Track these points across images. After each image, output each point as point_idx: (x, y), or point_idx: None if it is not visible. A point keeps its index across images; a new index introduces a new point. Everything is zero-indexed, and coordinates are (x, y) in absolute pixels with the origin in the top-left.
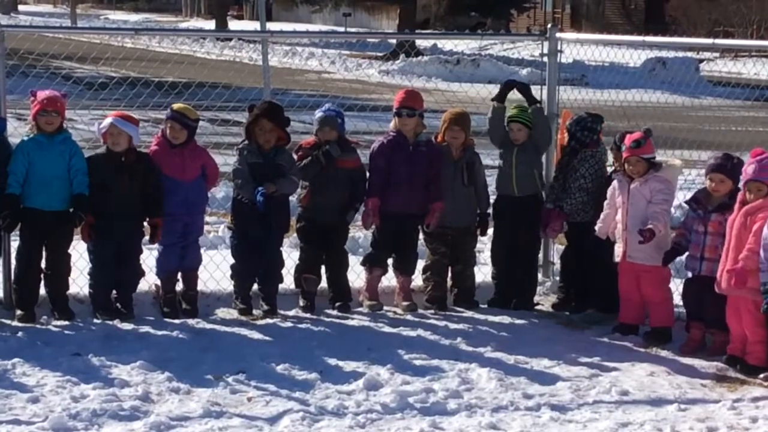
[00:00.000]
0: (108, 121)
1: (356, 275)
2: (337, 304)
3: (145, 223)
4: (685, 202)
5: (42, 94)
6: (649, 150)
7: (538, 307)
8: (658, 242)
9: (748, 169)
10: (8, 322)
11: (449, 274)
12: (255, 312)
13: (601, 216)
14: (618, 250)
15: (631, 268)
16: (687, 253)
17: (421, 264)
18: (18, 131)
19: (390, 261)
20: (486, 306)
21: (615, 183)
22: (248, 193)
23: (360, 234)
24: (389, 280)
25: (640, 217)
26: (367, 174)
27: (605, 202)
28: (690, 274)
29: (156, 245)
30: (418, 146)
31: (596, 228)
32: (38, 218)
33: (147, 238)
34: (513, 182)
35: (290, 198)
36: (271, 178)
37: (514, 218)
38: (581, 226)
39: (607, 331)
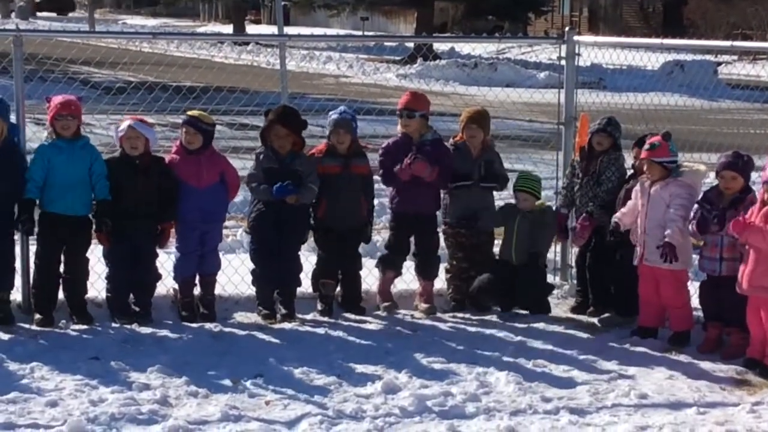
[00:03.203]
0: (126, 123)
1: (375, 278)
2: (347, 310)
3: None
4: (697, 203)
5: (57, 99)
6: (664, 153)
7: (556, 311)
8: (677, 247)
9: None
10: (27, 326)
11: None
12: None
13: (623, 209)
14: (635, 253)
15: (651, 271)
16: (703, 255)
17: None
18: (37, 136)
19: (412, 265)
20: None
21: (638, 185)
22: (264, 196)
23: (378, 237)
24: (408, 283)
25: (658, 221)
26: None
27: (630, 201)
28: (706, 276)
29: (173, 250)
30: (423, 146)
31: (615, 217)
32: (58, 223)
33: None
34: (512, 250)
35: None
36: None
37: (512, 280)
38: (603, 229)
39: (626, 335)
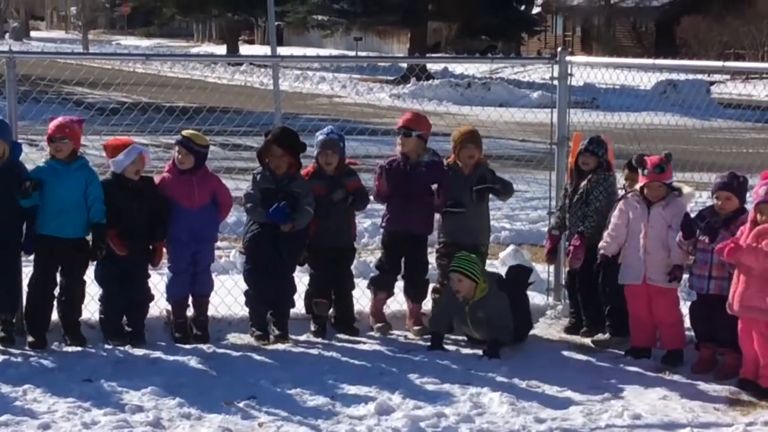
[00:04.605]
0: (137, 152)
1: (368, 299)
2: (340, 331)
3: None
4: (691, 221)
5: (55, 121)
6: (670, 175)
7: (549, 331)
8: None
9: (760, 191)
10: (20, 348)
11: None
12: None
13: (606, 235)
14: (633, 273)
15: (645, 290)
16: (693, 273)
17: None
18: (29, 157)
19: (401, 286)
20: None
21: (622, 204)
22: (259, 217)
23: (371, 258)
24: (401, 304)
25: (661, 240)
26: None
27: (614, 222)
28: (696, 296)
29: (166, 270)
30: (418, 166)
31: (601, 246)
32: (54, 245)
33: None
34: (472, 332)
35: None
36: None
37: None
38: (594, 250)
39: (619, 355)
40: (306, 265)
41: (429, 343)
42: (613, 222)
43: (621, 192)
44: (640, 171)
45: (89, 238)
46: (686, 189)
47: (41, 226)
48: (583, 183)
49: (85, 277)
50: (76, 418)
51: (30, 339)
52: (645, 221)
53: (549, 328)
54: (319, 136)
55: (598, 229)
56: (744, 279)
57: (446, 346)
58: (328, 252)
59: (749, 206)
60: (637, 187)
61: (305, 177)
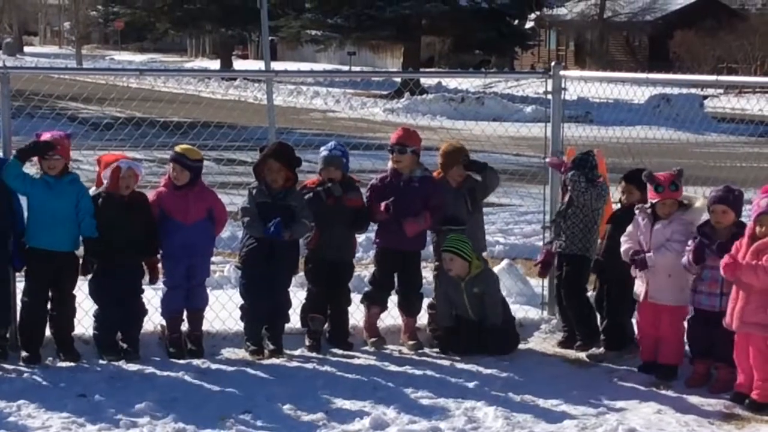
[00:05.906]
0: (126, 166)
1: (362, 314)
2: (335, 345)
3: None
4: (694, 237)
5: (45, 136)
6: (681, 192)
7: (544, 345)
8: (680, 282)
9: (761, 203)
10: (13, 363)
11: None
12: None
13: (622, 241)
14: (639, 289)
15: (653, 307)
16: (700, 291)
17: (428, 301)
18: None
19: (395, 300)
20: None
21: (636, 220)
22: (256, 232)
23: (365, 272)
24: (395, 318)
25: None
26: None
27: (625, 234)
28: (692, 311)
29: (161, 286)
30: (411, 182)
31: (623, 250)
32: (46, 259)
33: (147, 278)
34: (469, 314)
35: (299, 240)
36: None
37: (471, 337)
38: (571, 258)
39: (614, 369)
40: (302, 280)
41: (440, 345)
42: (627, 230)
43: (616, 206)
44: (652, 187)
45: (78, 252)
46: (699, 202)
47: (33, 240)
48: (566, 198)
49: (75, 291)
50: None
51: (24, 354)
52: (648, 238)
53: (543, 342)
54: (323, 152)
55: (580, 240)
56: (744, 295)
57: (439, 362)
58: (328, 266)
59: (745, 220)
60: (648, 204)
61: (311, 186)
